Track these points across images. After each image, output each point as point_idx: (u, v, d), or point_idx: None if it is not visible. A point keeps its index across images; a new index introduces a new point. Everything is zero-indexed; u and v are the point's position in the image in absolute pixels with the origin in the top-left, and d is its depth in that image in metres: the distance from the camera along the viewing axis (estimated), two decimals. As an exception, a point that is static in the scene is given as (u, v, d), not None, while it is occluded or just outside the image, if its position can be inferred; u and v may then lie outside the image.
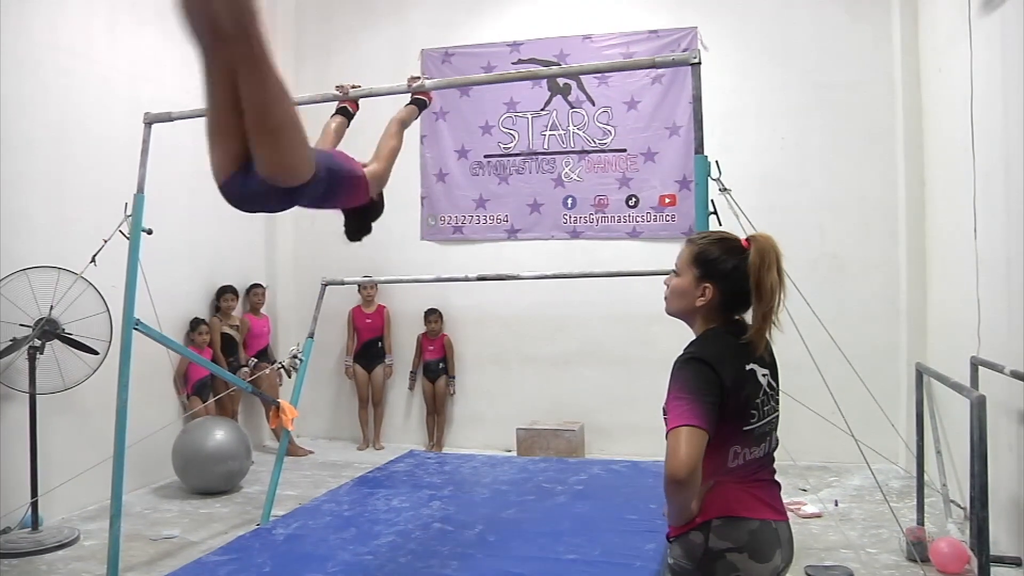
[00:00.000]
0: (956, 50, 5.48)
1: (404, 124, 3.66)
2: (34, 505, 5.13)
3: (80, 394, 5.52)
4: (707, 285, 2.13)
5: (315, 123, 8.61)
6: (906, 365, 6.56)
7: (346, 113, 3.89)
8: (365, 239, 8.26)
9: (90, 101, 6.10)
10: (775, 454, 2.21)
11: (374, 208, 3.62)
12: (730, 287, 2.12)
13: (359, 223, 3.68)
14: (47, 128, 5.74)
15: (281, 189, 2.74)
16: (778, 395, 2.22)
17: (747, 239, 2.13)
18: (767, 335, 2.12)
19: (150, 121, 4.45)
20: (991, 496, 3.66)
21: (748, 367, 2.09)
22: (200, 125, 5.73)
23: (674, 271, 2.23)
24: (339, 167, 3.09)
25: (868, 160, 7.16)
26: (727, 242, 2.17)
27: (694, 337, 2.19)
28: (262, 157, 2.61)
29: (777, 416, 2.19)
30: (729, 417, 2.00)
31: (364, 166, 3.33)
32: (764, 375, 2.13)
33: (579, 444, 7.35)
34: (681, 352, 2.11)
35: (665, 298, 2.26)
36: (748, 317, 2.17)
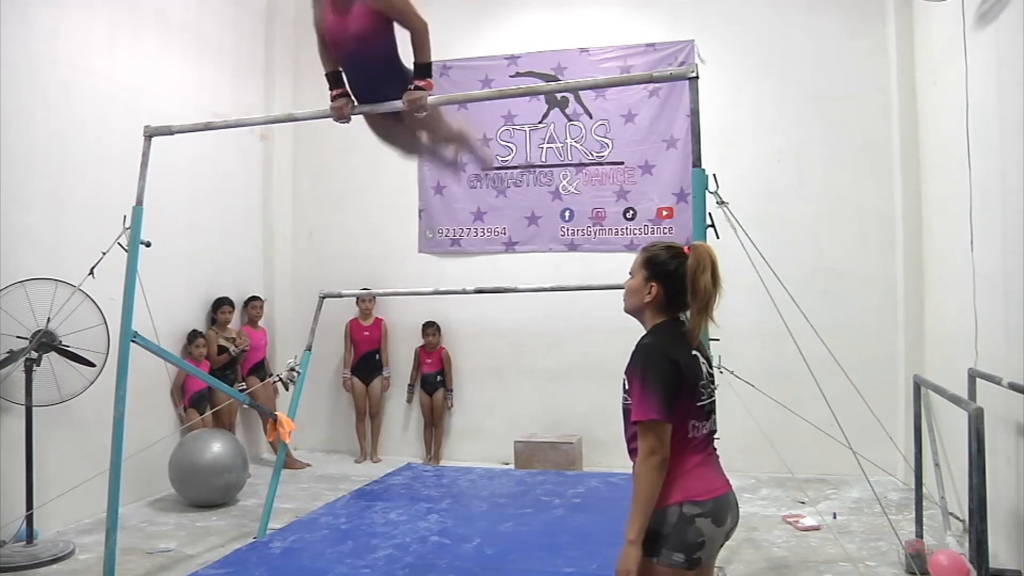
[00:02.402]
0: (951, 63, 5.51)
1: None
2: (29, 518, 5.10)
3: (77, 407, 5.51)
4: (653, 284, 2.56)
5: (311, 136, 8.63)
6: (904, 377, 6.57)
7: None
8: (362, 252, 8.34)
9: (89, 114, 6.10)
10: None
11: None
12: (671, 286, 2.53)
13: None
14: (47, 141, 5.75)
15: None
16: (714, 381, 2.64)
17: (688, 247, 2.56)
18: (702, 327, 2.51)
19: (150, 134, 4.46)
20: (990, 509, 3.66)
21: (692, 352, 2.51)
22: (198, 138, 5.75)
23: (630, 274, 2.66)
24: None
25: (865, 173, 7.19)
26: (672, 249, 2.60)
27: (646, 330, 2.59)
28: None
29: (715, 400, 2.60)
30: (686, 394, 2.44)
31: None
32: (703, 362, 2.55)
33: (577, 457, 7.34)
34: (640, 339, 2.53)
35: (623, 298, 2.66)
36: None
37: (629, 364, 2.47)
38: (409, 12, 3.88)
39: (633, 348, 2.51)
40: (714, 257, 2.50)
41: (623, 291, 2.66)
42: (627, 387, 2.47)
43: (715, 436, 2.59)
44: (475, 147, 4.82)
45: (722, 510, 2.43)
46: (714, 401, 2.59)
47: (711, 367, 2.63)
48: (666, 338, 2.51)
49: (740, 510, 2.60)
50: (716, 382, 2.65)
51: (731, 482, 2.53)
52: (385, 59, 3.97)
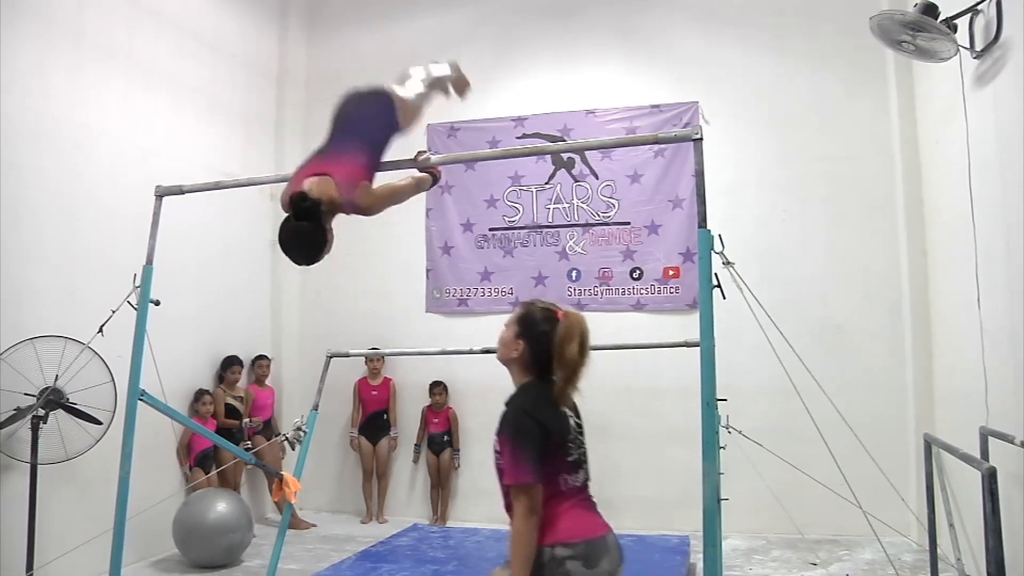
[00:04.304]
0: (952, 122, 5.58)
1: (419, 186, 3.67)
2: (30, 579, 5.06)
3: (81, 465, 5.48)
4: (521, 341, 2.68)
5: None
6: (914, 435, 6.50)
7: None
8: (370, 312, 8.26)
9: (102, 174, 6.22)
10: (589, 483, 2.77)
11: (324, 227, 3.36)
12: (538, 347, 2.65)
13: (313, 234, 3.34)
14: (59, 199, 5.85)
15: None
16: (584, 435, 2.77)
17: (563, 313, 2.67)
18: (569, 394, 2.66)
19: (161, 194, 4.50)
20: (1008, 570, 3.59)
21: (559, 410, 2.64)
22: (208, 197, 5.82)
23: (505, 325, 2.78)
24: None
25: (870, 231, 7.22)
26: (547, 311, 2.71)
27: (515, 388, 2.74)
28: None
29: (585, 451, 2.75)
30: (554, 451, 2.56)
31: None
32: (571, 417, 2.69)
33: (585, 518, 7.24)
34: (509, 400, 2.68)
35: (497, 346, 2.81)
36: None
37: (499, 427, 2.61)
38: (408, 188, 3.62)
39: (504, 409, 2.65)
40: (584, 328, 2.65)
41: (498, 341, 2.81)
42: (498, 449, 2.63)
43: (589, 483, 2.73)
44: None
45: (595, 553, 2.52)
46: (584, 452, 2.73)
47: (579, 419, 2.77)
48: (533, 400, 2.63)
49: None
50: (583, 434, 2.79)
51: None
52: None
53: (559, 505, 2.55)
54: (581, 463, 2.69)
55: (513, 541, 2.48)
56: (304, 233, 3.24)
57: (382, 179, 4.06)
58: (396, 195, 3.51)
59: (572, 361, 2.60)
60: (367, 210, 3.40)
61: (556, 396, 2.64)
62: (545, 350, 2.63)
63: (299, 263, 3.38)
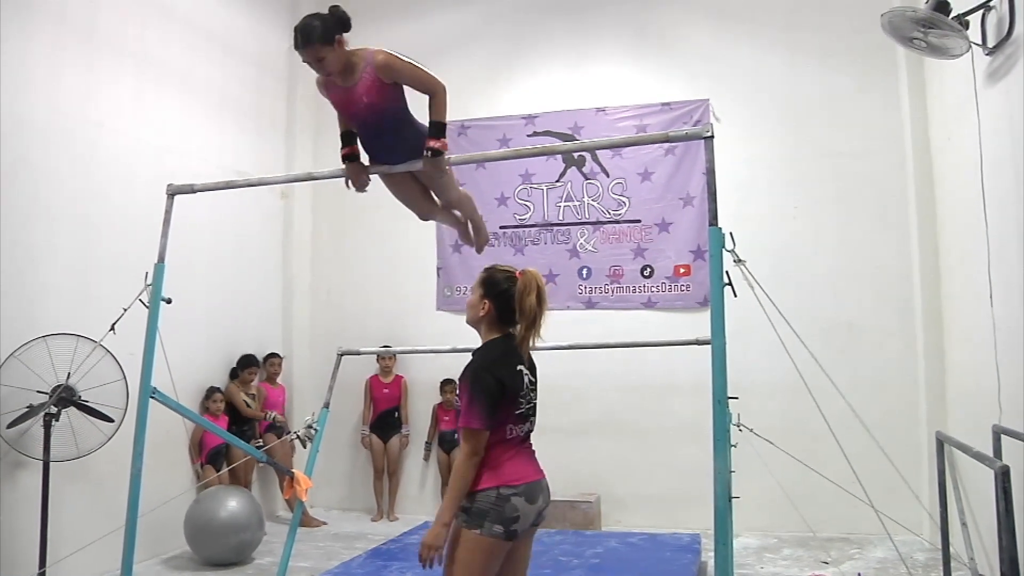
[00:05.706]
0: (964, 118, 5.54)
1: (436, 93, 3.87)
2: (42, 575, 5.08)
3: (93, 462, 5.51)
4: (486, 301, 3.07)
5: (330, 194, 8.69)
6: (926, 433, 6.47)
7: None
8: (381, 309, 8.25)
9: (115, 172, 6.24)
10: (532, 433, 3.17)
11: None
12: (501, 304, 3.06)
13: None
14: (73, 198, 5.88)
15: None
16: (536, 388, 3.15)
17: (520, 272, 3.09)
18: (530, 342, 3.06)
19: (173, 192, 4.51)
20: (1022, 569, 3.57)
21: (518, 368, 3.03)
22: (219, 196, 5.83)
23: (471, 291, 3.17)
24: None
25: (881, 228, 7.19)
26: (505, 272, 3.14)
27: (481, 343, 3.11)
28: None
29: (535, 404, 3.13)
30: (507, 405, 2.94)
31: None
32: (527, 375, 3.07)
33: (595, 516, 7.24)
34: (472, 357, 3.03)
35: (465, 310, 3.21)
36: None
37: (463, 374, 2.97)
38: (425, 78, 3.77)
39: (469, 360, 2.99)
40: (540, 282, 3.05)
41: (466, 305, 3.19)
42: (458, 392, 3.06)
43: (531, 433, 3.13)
44: (478, 219, 4.64)
45: (533, 492, 2.98)
46: (533, 406, 3.10)
47: (534, 376, 3.14)
48: (495, 357, 3.01)
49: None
50: (536, 390, 3.15)
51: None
52: (397, 120, 3.87)
53: (505, 452, 2.95)
54: (528, 416, 3.07)
55: (453, 474, 2.94)
56: (319, 22, 3.75)
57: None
58: (414, 71, 3.77)
59: (531, 311, 2.99)
60: (382, 64, 3.66)
61: (519, 344, 3.05)
62: (509, 306, 3.02)
63: (295, 39, 3.82)
